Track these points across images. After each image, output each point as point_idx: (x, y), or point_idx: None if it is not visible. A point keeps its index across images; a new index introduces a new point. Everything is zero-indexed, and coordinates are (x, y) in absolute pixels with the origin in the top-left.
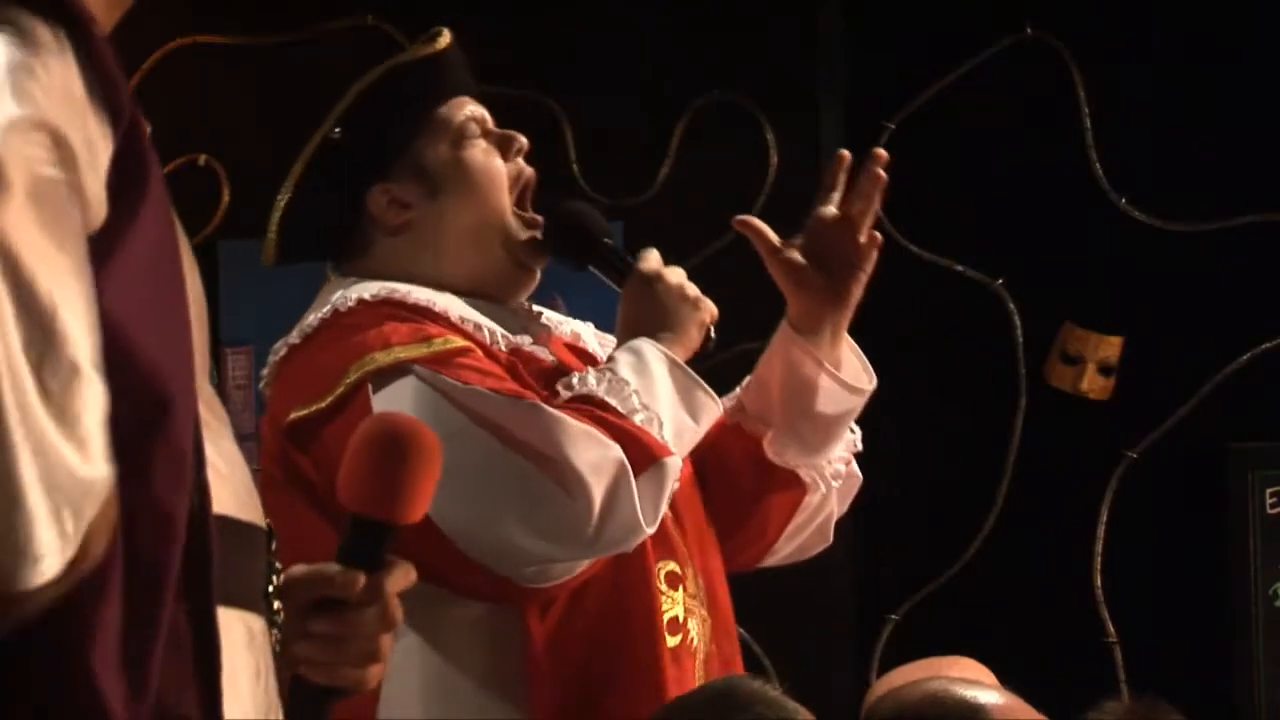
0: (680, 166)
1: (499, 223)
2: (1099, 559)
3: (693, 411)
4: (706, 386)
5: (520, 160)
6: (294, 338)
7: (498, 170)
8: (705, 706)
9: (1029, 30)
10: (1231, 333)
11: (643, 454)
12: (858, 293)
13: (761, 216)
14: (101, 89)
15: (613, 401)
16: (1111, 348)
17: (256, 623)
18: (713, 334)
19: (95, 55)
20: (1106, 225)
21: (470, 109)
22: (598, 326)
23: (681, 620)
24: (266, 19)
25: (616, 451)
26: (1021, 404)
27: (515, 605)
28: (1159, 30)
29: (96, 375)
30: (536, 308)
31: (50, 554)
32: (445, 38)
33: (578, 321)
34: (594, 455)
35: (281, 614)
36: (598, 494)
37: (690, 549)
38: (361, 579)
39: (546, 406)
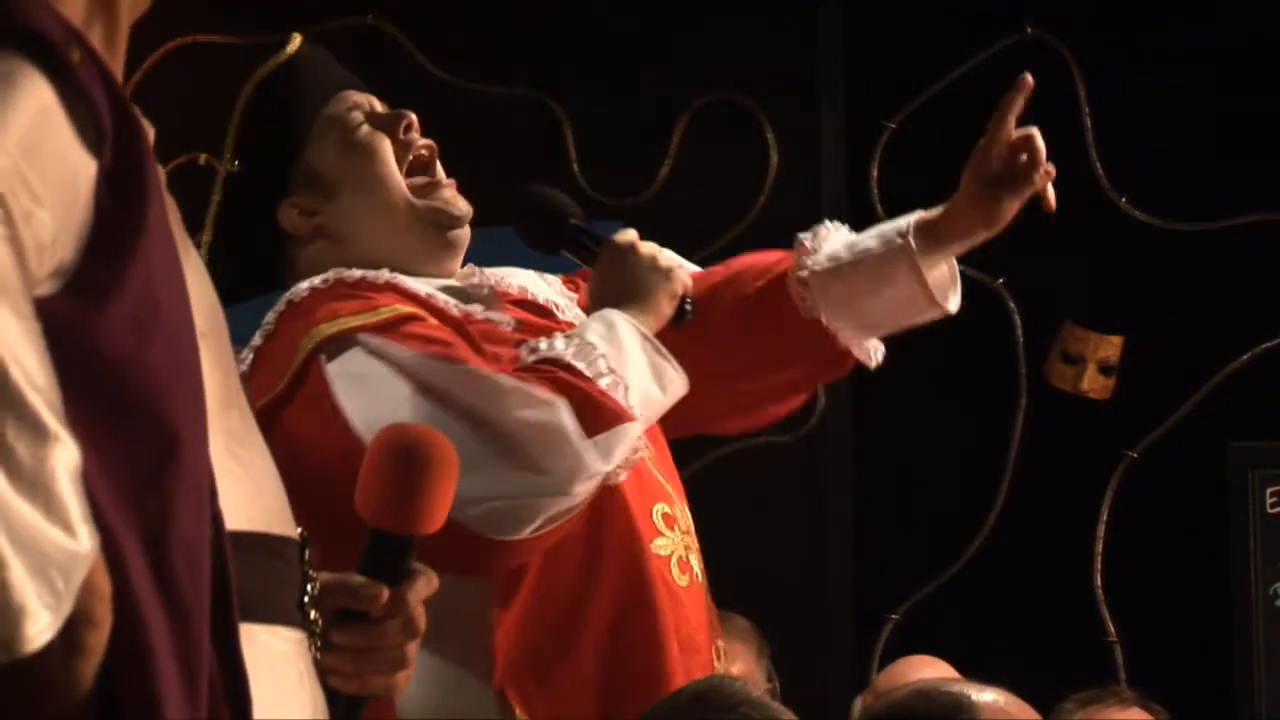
0: (680, 166)
1: (395, 200)
2: (1099, 559)
3: (661, 384)
4: (674, 362)
5: (412, 134)
6: (256, 340)
7: (383, 150)
8: (688, 707)
9: (1029, 30)
10: (1231, 333)
11: (602, 415)
12: (1009, 214)
13: (761, 216)
14: (82, 112)
15: (578, 364)
16: (1111, 348)
17: (292, 634)
18: (687, 306)
19: (71, 81)
20: (1106, 225)
21: (350, 100)
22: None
23: (685, 559)
24: (266, 19)
25: (551, 405)
26: (1021, 404)
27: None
28: (1159, 30)
29: (65, 433)
30: (471, 268)
31: (41, 610)
32: (295, 41)
33: (519, 271)
34: (526, 412)
35: (319, 621)
36: (533, 448)
37: (674, 489)
38: (385, 594)
39: (480, 369)
